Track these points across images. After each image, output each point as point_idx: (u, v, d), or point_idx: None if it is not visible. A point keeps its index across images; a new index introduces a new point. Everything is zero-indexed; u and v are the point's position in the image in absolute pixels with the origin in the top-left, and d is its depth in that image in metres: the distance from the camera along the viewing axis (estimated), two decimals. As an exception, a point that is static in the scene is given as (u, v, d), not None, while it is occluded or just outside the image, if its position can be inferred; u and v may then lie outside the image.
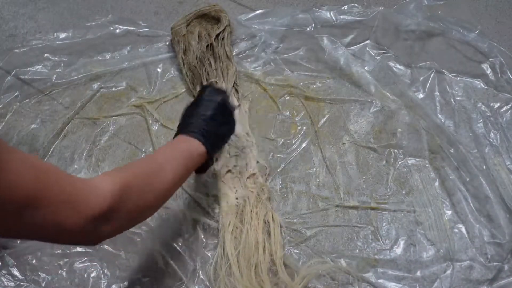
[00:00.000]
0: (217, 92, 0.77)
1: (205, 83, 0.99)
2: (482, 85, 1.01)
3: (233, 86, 0.99)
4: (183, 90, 1.03)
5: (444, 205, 0.84)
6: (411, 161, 0.90)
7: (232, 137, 0.81)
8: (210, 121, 0.72)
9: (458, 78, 1.02)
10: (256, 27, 1.11)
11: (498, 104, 0.97)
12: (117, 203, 0.52)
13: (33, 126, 0.97)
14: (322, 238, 0.81)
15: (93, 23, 1.14)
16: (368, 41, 1.08)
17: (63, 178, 0.48)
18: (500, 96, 0.99)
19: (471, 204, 0.83)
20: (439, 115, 0.95)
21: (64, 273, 0.77)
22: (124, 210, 0.53)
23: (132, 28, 1.13)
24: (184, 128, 0.72)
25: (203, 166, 0.73)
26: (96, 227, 0.50)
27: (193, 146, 0.69)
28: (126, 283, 0.76)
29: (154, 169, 0.61)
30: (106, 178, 0.53)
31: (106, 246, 0.79)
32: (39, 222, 0.45)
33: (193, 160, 0.69)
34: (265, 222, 0.80)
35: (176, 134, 0.73)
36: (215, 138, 0.73)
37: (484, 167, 0.87)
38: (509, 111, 0.96)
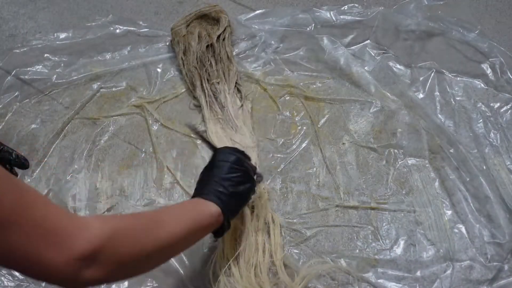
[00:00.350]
0: (231, 151, 0.74)
1: (205, 84, 0.99)
2: (482, 85, 1.01)
3: (235, 86, 1.00)
4: (183, 90, 1.03)
5: (444, 205, 0.83)
6: (411, 161, 0.89)
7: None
8: (224, 182, 0.69)
9: (458, 78, 1.02)
10: (256, 27, 1.11)
11: (498, 104, 0.97)
12: (104, 246, 0.48)
13: (33, 126, 0.98)
14: (322, 238, 0.81)
15: (93, 23, 1.14)
16: (368, 41, 1.08)
17: (48, 210, 0.46)
18: (500, 96, 0.99)
19: (471, 204, 0.83)
20: (439, 115, 0.95)
21: (64, 273, 0.77)
22: (112, 256, 0.49)
23: (132, 28, 1.13)
24: (197, 192, 0.70)
25: (220, 229, 0.68)
26: (78, 269, 0.46)
27: (204, 206, 0.66)
28: (126, 283, 0.76)
29: (154, 221, 0.58)
30: (97, 220, 0.51)
31: (106, 246, 0.79)
32: (8, 246, 0.43)
33: (202, 219, 0.65)
34: (265, 223, 0.80)
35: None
36: (232, 198, 0.69)
37: (484, 167, 0.87)
38: (509, 111, 0.96)
